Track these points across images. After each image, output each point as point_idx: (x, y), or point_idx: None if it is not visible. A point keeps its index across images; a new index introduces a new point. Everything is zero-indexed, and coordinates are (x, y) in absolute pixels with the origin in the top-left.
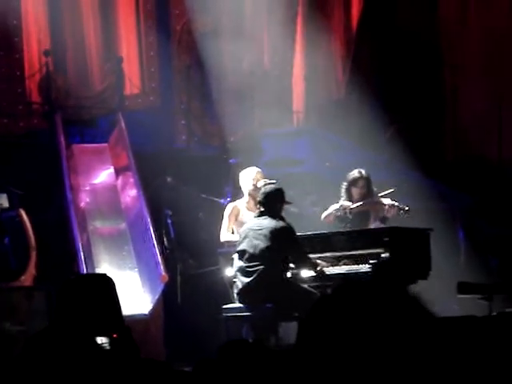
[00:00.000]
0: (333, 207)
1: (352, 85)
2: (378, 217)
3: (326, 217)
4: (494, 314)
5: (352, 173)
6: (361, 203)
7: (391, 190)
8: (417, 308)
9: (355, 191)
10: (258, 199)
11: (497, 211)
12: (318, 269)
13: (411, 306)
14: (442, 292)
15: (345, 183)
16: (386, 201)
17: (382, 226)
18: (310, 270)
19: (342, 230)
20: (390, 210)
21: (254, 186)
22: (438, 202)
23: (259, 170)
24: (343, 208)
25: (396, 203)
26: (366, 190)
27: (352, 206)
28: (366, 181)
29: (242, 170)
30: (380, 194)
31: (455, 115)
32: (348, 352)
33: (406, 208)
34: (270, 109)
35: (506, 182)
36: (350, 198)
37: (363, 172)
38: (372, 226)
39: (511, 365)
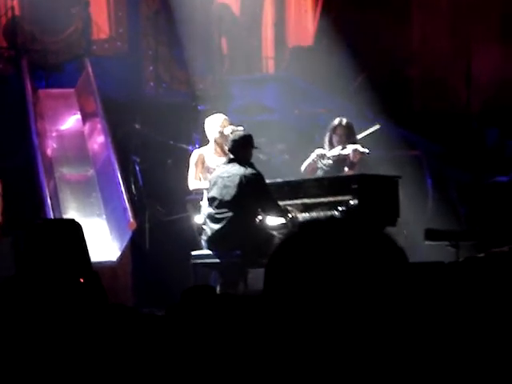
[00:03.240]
0: (310, 157)
1: (322, 31)
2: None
3: (305, 168)
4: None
5: (333, 121)
6: (332, 153)
7: (377, 127)
8: (391, 247)
9: (335, 139)
10: (227, 146)
11: (464, 159)
12: (289, 215)
13: (385, 244)
14: (409, 239)
15: (328, 132)
16: (350, 147)
17: (350, 172)
18: (280, 216)
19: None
20: (355, 155)
21: (221, 133)
22: (407, 150)
23: (226, 117)
24: (319, 156)
25: (358, 147)
26: (345, 137)
27: (328, 154)
28: (346, 129)
29: (209, 117)
30: (361, 135)
31: (423, 64)
32: (317, 293)
33: (366, 150)
34: (239, 55)
35: (473, 130)
36: (331, 146)
37: (343, 120)
38: (343, 173)
39: (476, 310)
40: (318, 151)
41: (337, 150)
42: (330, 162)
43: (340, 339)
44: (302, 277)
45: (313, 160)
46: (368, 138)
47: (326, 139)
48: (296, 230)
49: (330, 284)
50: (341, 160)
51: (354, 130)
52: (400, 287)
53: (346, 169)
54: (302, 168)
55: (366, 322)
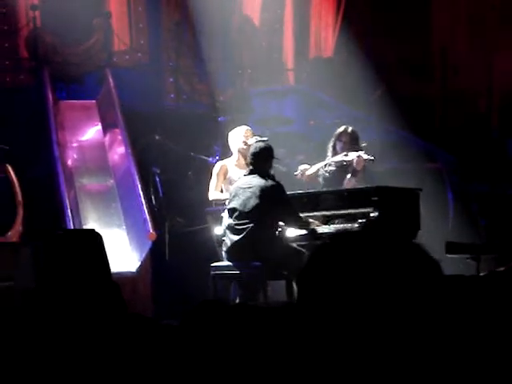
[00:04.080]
0: (316, 167)
1: (342, 44)
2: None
3: (308, 175)
4: (482, 274)
5: (339, 128)
6: (326, 162)
7: (363, 144)
8: (426, 260)
9: (339, 145)
10: (248, 158)
11: (485, 171)
12: (310, 227)
13: (420, 257)
14: (430, 252)
15: (332, 139)
16: (353, 154)
17: (353, 179)
18: (301, 228)
19: (325, 188)
20: (359, 163)
21: (245, 143)
22: (427, 163)
23: (249, 127)
24: (301, 172)
25: (362, 154)
26: (348, 145)
27: (330, 160)
28: (350, 136)
29: (231, 128)
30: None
31: (443, 76)
32: (351, 303)
33: (372, 158)
34: (259, 67)
35: (494, 141)
36: (334, 153)
37: (349, 127)
38: (345, 180)
39: (497, 323)
40: (321, 164)
41: (339, 157)
42: (332, 168)
43: (373, 348)
44: (335, 288)
45: (314, 172)
46: (385, 148)
47: (330, 145)
48: (327, 242)
49: (364, 295)
50: (343, 167)
51: (359, 139)
52: (435, 300)
53: (349, 176)
54: (307, 174)
55: (399, 333)
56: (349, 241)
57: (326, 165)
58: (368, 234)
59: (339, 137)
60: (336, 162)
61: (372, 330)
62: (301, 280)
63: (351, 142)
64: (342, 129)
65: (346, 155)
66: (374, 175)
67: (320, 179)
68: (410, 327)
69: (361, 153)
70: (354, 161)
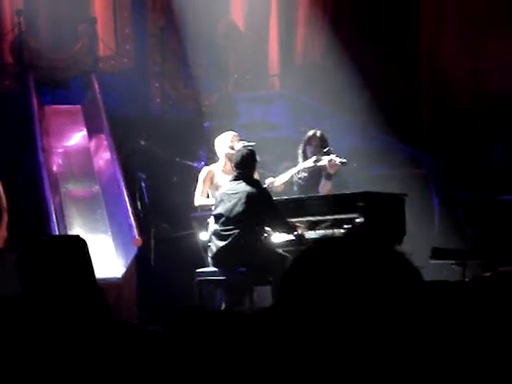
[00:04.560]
0: (286, 175)
1: (328, 49)
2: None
3: (279, 185)
4: (467, 279)
5: (307, 133)
6: (295, 170)
7: (328, 148)
8: (406, 266)
9: (309, 150)
10: (233, 163)
11: (471, 177)
12: (297, 232)
13: (400, 263)
14: (415, 257)
15: (301, 144)
16: (325, 158)
17: (329, 183)
18: (288, 233)
19: (294, 192)
20: (332, 166)
21: (231, 148)
22: (413, 168)
23: (235, 133)
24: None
25: (334, 157)
26: (319, 148)
27: (302, 166)
28: (320, 140)
29: (217, 133)
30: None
31: (432, 83)
32: (332, 309)
33: (344, 160)
34: (245, 72)
35: (480, 147)
36: (304, 158)
37: (318, 131)
38: (320, 185)
39: (483, 329)
40: (293, 170)
41: (311, 162)
42: (305, 174)
43: (353, 354)
44: (316, 293)
45: (287, 180)
46: (370, 154)
47: (300, 151)
48: (311, 247)
49: (344, 300)
50: (316, 172)
51: (328, 142)
52: (415, 306)
53: (324, 181)
54: (276, 183)
55: (380, 339)
56: (331, 247)
57: (298, 171)
58: (351, 240)
59: (309, 141)
60: (308, 168)
61: (352, 336)
62: (283, 284)
63: (321, 145)
64: (311, 133)
65: (317, 160)
66: (346, 178)
67: (294, 187)
68: (391, 333)
69: (332, 156)
70: (327, 165)
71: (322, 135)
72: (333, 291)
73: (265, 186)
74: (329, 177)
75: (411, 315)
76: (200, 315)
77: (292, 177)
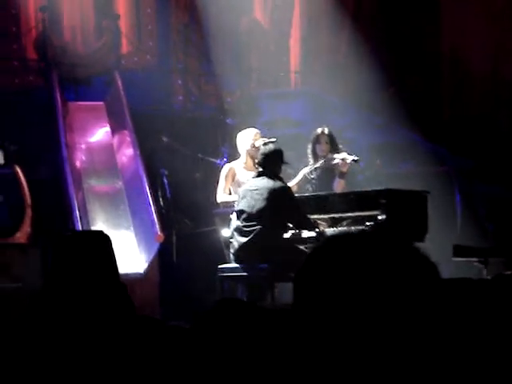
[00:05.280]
0: (297, 177)
1: (350, 46)
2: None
3: (293, 186)
4: (489, 277)
5: (315, 131)
6: (313, 166)
7: (354, 158)
8: (424, 262)
9: (319, 148)
10: (257, 160)
11: (494, 173)
12: (319, 229)
13: (417, 259)
14: (437, 255)
15: (310, 143)
16: (337, 156)
17: (342, 181)
18: (309, 230)
19: (308, 192)
20: (344, 164)
21: (253, 145)
22: (436, 165)
23: (258, 131)
24: (307, 174)
25: (346, 155)
26: (329, 146)
27: (314, 166)
28: (329, 137)
29: (239, 130)
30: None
31: (453, 76)
32: (346, 305)
33: (356, 158)
34: (267, 69)
35: (504, 143)
36: (315, 157)
37: (325, 129)
38: (334, 183)
39: (505, 327)
40: (305, 170)
41: (322, 161)
42: (318, 173)
43: (369, 351)
44: (331, 290)
45: (300, 180)
46: (393, 151)
47: (309, 151)
48: (324, 243)
49: (359, 297)
50: (329, 170)
51: (336, 139)
52: (432, 302)
53: (337, 179)
54: (290, 184)
55: (395, 336)
56: (346, 243)
57: (311, 171)
58: (367, 234)
59: (318, 140)
60: (321, 167)
61: (365, 333)
62: (296, 281)
63: (331, 142)
64: (319, 131)
65: (329, 159)
66: (358, 176)
67: (308, 186)
68: (407, 329)
69: (344, 154)
70: (340, 163)
71: (330, 132)
72: (346, 288)
73: (298, 177)
74: (342, 175)
75: (429, 311)
76: (237, 308)
77: (305, 176)
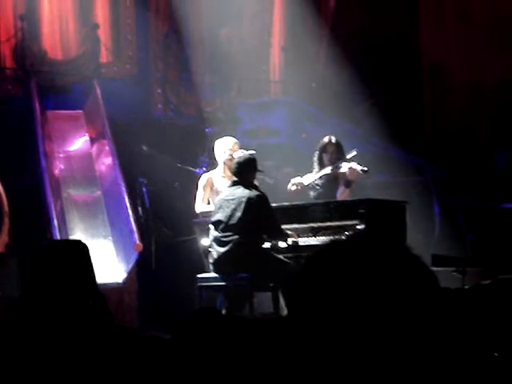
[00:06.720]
0: (300, 179)
1: (330, 56)
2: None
3: (307, 184)
4: (467, 287)
5: (322, 140)
6: (321, 173)
7: (354, 153)
8: (422, 270)
9: (326, 157)
10: (231, 169)
11: (472, 184)
12: (291, 240)
13: (417, 267)
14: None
15: (316, 151)
16: (346, 165)
17: (347, 190)
18: (281, 240)
19: (314, 200)
20: (352, 173)
21: (231, 155)
22: (414, 175)
23: (236, 141)
24: (297, 184)
25: (355, 165)
26: (336, 155)
27: (319, 174)
28: (336, 146)
29: (218, 139)
30: (348, 157)
31: (434, 91)
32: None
33: (365, 168)
34: (247, 78)
35: (482, 155)
36: (321, 165)
37: (333, 138)
38: (338, 191)
39: (482, 335)
40: (311, 176)
41: (328, 170)
42: (323, 181)
43: (367, 358)
44: (328, 296)
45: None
46: (372, 162)
47: (316, 158)
48: (323, 249)
49: (357, 304)
50: (333, 178)
51: (343, 148)
52: (431, 311)
53: (342, 188)
54: (289, 186)
55: (394, 343)
56: (344, 248)
57: (317, 178)
58: (363, 242)
59: (324, 149)
60: (326, 175)
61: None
62: (293, 289)
63: (337, 151)
64: (326, 140)
65: (336, 167)
66: (365, 186)
67: (311, 192)
68: (405, 338)
69: (353, 164)
70: (347, 172)
71: (337, 141)
72: (344, 294)
73: (290, 186)
74: (348, 184)
75: (427, 320)
76: (213, 317)
77: (310, 183)
